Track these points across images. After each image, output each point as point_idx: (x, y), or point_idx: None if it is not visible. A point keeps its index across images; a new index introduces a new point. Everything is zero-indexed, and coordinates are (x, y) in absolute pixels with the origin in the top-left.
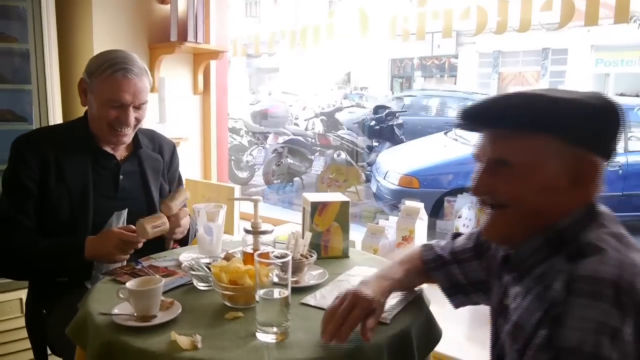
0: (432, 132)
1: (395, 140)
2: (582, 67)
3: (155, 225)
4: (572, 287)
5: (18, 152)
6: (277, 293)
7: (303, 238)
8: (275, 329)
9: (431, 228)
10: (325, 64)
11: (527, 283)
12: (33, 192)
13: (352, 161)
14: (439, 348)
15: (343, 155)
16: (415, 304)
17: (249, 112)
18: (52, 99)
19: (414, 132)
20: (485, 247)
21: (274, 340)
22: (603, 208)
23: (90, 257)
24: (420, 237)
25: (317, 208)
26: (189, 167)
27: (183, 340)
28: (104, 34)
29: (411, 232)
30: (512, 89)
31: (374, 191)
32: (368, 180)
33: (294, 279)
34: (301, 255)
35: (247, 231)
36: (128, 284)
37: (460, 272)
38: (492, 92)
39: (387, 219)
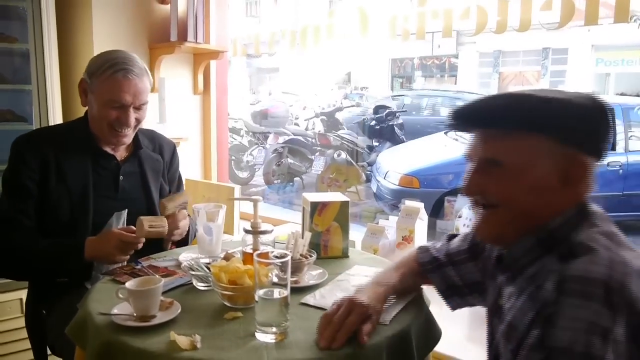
0: (429, 132)
1: (396, 140)
2: (582, 66)
3: (153, 225)
4: (563, 287)
5: (18, 152)
6: (276, 293)
7: (303, 238)
8: (274, 329)
9: (431, 228)
10: (326, 63)
11: (520, 283)
12: (33, 192)
13: (352, 161)
14: (439, 348)
15: (343, 155)
16: (415, 304)
17: (249, 112)
18: (52, 99)
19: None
20: (480, 248)
21: (273, 340)
22: (595, 207)
23: (90, 257)
24: (420, 237)
25: (317, 208)
26: (189, 167)
27: (182, 340)
28: (104, 34)
29: (411, 232)
30: (513, 88)
31: (374, 191)
32: (368, 180)
33: (294, 279)
34: (301, 255)
35: (246, 231)
36: (127, 284)
37: (455, 273)
38: (493, 91)
39: (387, 219)
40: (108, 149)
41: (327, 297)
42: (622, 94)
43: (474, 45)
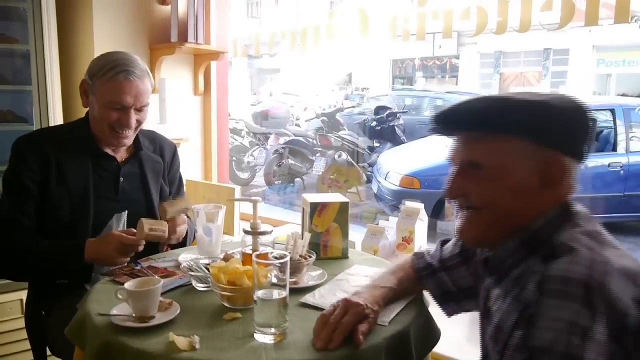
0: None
1: (396, 141)
2: (583, 67)
3: (154, 228)
4: (544, 287)
5: (19, 153)
6: (275, 294)
7: (302, 239)
8: (273, 330)
9: (432, 229)
10: (327, 64)
11: (505, 285)
12: (33, 193)
13: (353, 162)
14: (439, 349)
15: (344, 156)
16: (414, 305)
17: (250, 113)
18: (52, 99)
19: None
20: (471, 252)
21: (272, 341)
22: (579, 207)
23: (90, 259)
24: (420, 238)
25: (316, 209)
26: (189, 167)
27: (181, 341)
28: (104, 35)
29: (411, 232)
30: (514, 89)
31: (375, 192)
32: (369, 180)
33: (293, 279)
34: (300, 256)
35: (246, 232)
36: (126, 285)
37: (449, 279)
38: (494, 92)
39: (388, 220)
40: (108, 150)
41: (327, 296)
42: (623, 95)
43: (475, 46)
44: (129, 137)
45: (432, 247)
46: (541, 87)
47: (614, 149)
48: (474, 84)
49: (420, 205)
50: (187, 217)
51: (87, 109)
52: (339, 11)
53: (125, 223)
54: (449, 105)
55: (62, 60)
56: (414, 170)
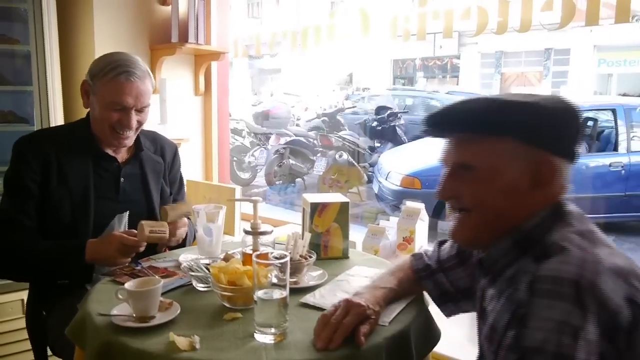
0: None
1: (397, 141)
2: (584, 67)
3: (154, 230)
4: (535, 287)
5: (20, 153)
6: (275, 294)
7: (302, 239)
8: (273, 330)
9: (432, 229)
10: (327, 64)
11: (499, 285)
12: (34, 193)
13: (354, 162)
14: (439, 349)
15: (345, 156)
16: (415, 305)
17: (251, 113)
18: (53, 100)
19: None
20: (468, 253)
21: (272, 341)
22: (571, 207)
23: (91, 260)
24: (421, 238)
25: (317, 209)
26: (190, 168)
27: (181, 341)
28: (105, 35)
29: (412, 232)
30: (515, 89)
31: (376, 192)
32: (370, 181)
33: (294, 279)
34: (300, 256)
35: (246, 232)
36: (127, 285)
37: (447, 280)
38: (495, 92)
39: (388, 220)
40: (109, 151)
41: (327, 297)
42: (624, 95)
43: (476, 46)
44: (130, 138)
45: (431, 248)
46: (542, 87)
47: (615, 148)
48: (475, 84)
49: (421, 205)
50: (188, 218)
51: (88, 109)
52: (340, 11)
53: (127, 224)
54: (440, 107)
55: (63, 61)
56: (415, 170)
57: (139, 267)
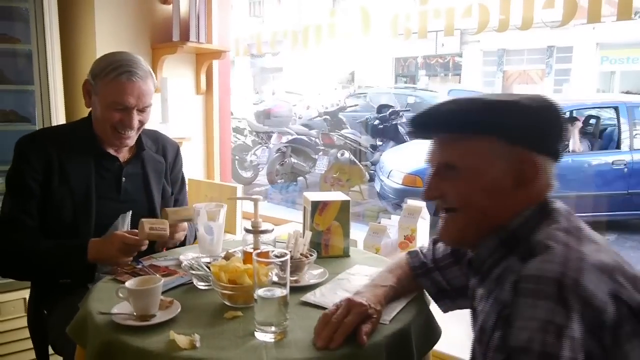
0: None
1: (399, 139)
2: (587, 65)
3: (154, 227)
4: (518, 287)
5: (22, 152)
6: (276, 292)
7: (303, 237)
8: (273, 329)
9: (434, 227)
10: (329, 63)
11: (488, 285)
12: (36, 192)
13: (355, 160)
14: (440, 347)
15: (347, 154)
16: (415, 304)
17: (253, 112)
18: (54, 99)
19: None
20: (462, 252)
21: (273, 340)
22: (558, 204)
23: (93, 259)
24: (423, 236)
25: (318, 207)
26: (191, 167)
27: (181, 340)
28: (106, 35)
29: (413, 231)
30: (517, 87)
31: (378, 190)
32: (372, 179)
33: (294, 278)
34: (301, 254)
35: (247, 230)
36: (127, 284)
37: (442, 278)
38: (497, 90)
39: (390, 218)
40: (111, 151)
41: (327, 295)
42: (627, 92)
43: (478, 44)
44: (132, 138)
45: (426, 245)
46: (545, 84)
47: (618, 146)
48: (477, 82)
49: (422, 204)
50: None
51: (90, 109)
52: (341, 9)
53: (130, 223)
54: (424, 108)
55: (65, 60)
56: (417, 168)
57: (139, 266)
